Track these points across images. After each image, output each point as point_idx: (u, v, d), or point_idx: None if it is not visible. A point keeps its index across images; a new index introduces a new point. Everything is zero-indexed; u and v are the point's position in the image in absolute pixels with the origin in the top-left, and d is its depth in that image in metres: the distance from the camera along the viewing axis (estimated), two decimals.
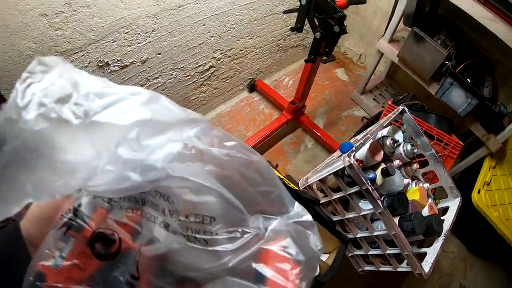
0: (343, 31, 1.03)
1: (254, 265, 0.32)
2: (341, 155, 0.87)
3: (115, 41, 1.07)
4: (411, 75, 1.44)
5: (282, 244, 0.35)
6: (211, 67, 1.42)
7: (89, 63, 1.06)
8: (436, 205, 1.05)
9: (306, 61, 1.22)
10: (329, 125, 1.63)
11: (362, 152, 0.97)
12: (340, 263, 0.75)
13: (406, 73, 1.66)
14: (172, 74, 1.32)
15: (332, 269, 0.72)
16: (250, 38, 1.47)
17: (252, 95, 1.67)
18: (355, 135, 1.34)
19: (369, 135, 0.85)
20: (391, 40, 1.46)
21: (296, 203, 0.41)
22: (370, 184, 0.78)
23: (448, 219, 0.98)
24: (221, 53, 1.41)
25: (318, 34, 1.10)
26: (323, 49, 1.15)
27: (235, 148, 0.32)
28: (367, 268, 1.00)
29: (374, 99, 1.69)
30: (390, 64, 1.75)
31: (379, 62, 1.57)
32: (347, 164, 0.79)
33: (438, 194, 1.17)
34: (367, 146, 0.95)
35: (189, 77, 1.38)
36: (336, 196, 0.88)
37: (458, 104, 1.31)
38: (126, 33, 1.08)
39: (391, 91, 1.74)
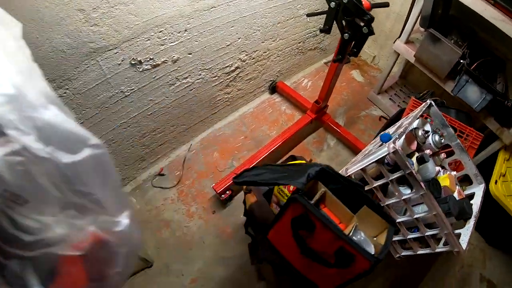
0: (371, 32, 1.15)
1: None
2: (380, 145, 0.99)
3: (149, 39, 1.15)
4: (427, 74, 1.58)
5: None
6: (236, 68, 1.53)
7: (122, 60, 1.12)
8: (463, 191, 1.17)
9: (334, 61, 1.35)
10: (349, 124, 1.75)
11: (398, 143, 1.08)
12: (390, 242, 0.85)
13: (419, 73, 1.81)
14: (200, 75, 1.42)
15: (385, 248, 0.82)
16: (273, 41, 1.59)
17: (273, 96, 1.78)
18: (378, 134, 1.46)
19: (407, 125, 0.97)
20: (407, 41, 1.60)
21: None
22: (413, 167, 0.89)
23: (476, 203, 1.09)
24: (246, 55, 1.53)
25: (346, 36, 1.22)
26: (350, 50, 1.28)
27: None
28: (404, 253, 1.10)
29: (390, 98, 1.83)
30: (403, 65, 1.90)
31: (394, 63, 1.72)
32: (392, 150, 0.90)
33: (461, 182, 1.29)
34: (403, 136, 1.07)
35: (216, 77, 1.49)
36: (378, 183, 0.98)
37: (474, 100, 1.44)
38: (160, 31, 1.16)
39: (405, 91, 1.88)
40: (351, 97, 1.87)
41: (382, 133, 1.02)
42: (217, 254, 1.43)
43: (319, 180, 0.90)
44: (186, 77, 1.37)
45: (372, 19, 1.11)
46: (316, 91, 1.55)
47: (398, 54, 1.65)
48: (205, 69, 1.41)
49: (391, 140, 0.92)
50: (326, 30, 1.29)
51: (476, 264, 1.57)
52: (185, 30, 1.24)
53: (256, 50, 1.55)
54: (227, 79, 1.53)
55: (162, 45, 1.20)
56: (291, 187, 1.05)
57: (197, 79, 1.42)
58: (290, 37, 1.67)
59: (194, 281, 1.38)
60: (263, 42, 1.55)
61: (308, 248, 0.83)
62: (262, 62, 1.63)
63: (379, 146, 1.01)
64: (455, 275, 1.52)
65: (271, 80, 1.76)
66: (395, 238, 1.08)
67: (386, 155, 0.92)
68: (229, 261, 1.42)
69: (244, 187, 1.18)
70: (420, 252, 1.04)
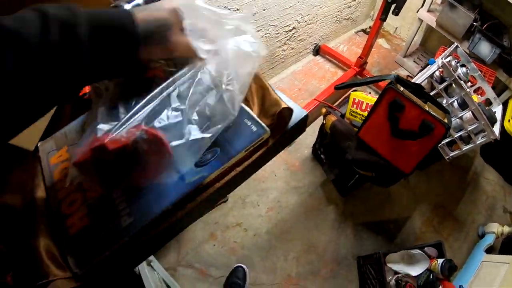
0: None
1: None
2: (428, 67, 1.59)
3: None
4: (446, 37, 2.25)
5: None
6: (293, 28, 2.10)
7: (217, 6, 1.64)
8: None
9: (380, 19, 1.95)
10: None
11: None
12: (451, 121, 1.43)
13: (436, 40, 2.49)
14: (268, 30, 1.96)
15: (450, 121, 1.39)
16: (320, 7, 2.19)
17: (317, 57, 2.37)
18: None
19: (443, 58, 1.59)
20: (429, 10, 2.28)
21: None
22: (457, 76, 1.49)
23: (498, 116, 1.72)
24: (301, 17, 2.10)
25: None
26: (393, 10, 1.91)
27: None
28: (452, 154, 1.68)
29: (414, 61, 2.49)
30: (424, 33, 2.59)
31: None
32: (441, 64, 1.50)
33: None
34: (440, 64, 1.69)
35: (278, 34, 2.04)
36: (441, 86, 1.56)
37: (486, 54, 2.12)
38: None
39: (426, 56, 2.56)
40: (382, 60, 2.51)
41: (429, 59, 1.63)
42: (288, 185, 1.92)
43: (397, 83, 1.47)
44: (259, 31, 1.91)
45: None
46: (351, 55, 2.15)
47: (421, 22, 2.32)
48: (272, 25, 1.95)
49: (442, 56, 1.52)
50: None
51: (498, 197, 2.18)
52: None
53: (308, 14, 2.13)
54: (285, 37, 2.09)
55: None
56: (363, 107, 1.62)
57: (266, 33, 1.96)
58: (331, 6, 2.27)
59: (270, 210, 1.86)
60: (313, 8, 2.14)
61: (398, 128, 1.38)
62: (311, 25, 2.22)
63: (429, 67, 1.62)
64: (483, 204, 2.13)
65: (315, 43, 2.35)
66: (444, 141, 1.67)
67: (438, 68, 1.52)
68: (300, 190, 1.92)
69: (324, 110, 1.71)
70: (465, 148, 1.62)
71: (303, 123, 0.67)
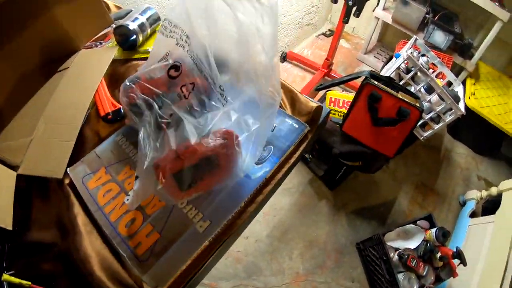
0: None
1: None
2: (394, 60, 1.78)
3: None
4: (402, 30, 2.48)
5: None
6: None
7: None
8: None
9: (343, 22, 2.13)
10: None
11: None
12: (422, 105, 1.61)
13: (392, 35, 2.73)
14: None
15: (421, 105, 1.57)
16: (284, 17, 2.34)
17: (285, 64, 2.53)
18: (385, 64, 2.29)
19: (406, 50, 1.79)
20: (384, 8, 2.51)
21: None
22: (422, 65, 1.68)
23: (460, 95, 1.94)
24: None
25: (350, 3, 2.02)
26: (354, 12, 2.09)
27: None
28: (425, 134, 1.87)
29: (374, 57, 2.71)
30: (380, 30, 2.82)
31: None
32: (406, 57, 1.69)
33: None
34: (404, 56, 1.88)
35: None
36: (409, 76, 1.74)
37: (441, 42, 2.36)
38: None
39: (384, 50, 2.78)
40: (345, 59, 2.71)
41: (395, 53, 1.82)
42: (280, 188, 2.03)
43: (371, 78, 1.63)
44: None
45: None
46: (316, 58, 2.33)
47: (377, 20, 2.54)
48: None
49: (405, 49, 1.72)
50: (334, 0, 2.11)
51: (471, 168, 2.41)
52: None
53: None
54: None
55: None
56: (340, 104, 1.78)
57: None
58: (293, 14, 2.43)
59: (266, 214, 1.96)
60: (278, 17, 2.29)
61: (378, 118, 1.53)
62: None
63: (394, 60, 1.81)
64: (459, 176, 2.34)
65: (281, 51, 2.51)
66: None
67: (404, 60, 1.71)
68: (291, 190, 2.04)
69: None
70: (436, 127, 1.81)
71: (326, 118, 0.81)
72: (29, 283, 0.50)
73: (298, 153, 0.72)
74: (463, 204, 2.12)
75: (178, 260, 0.53)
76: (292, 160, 0.71)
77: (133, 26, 0.94)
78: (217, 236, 0.57)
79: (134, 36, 0.94)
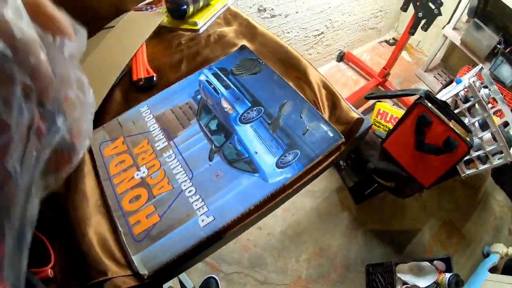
0: (440, 13, 1.95)
1: None
2: (453, 85, 1.75)
3: None
4: (468, 55, 2.42)
5: None
6: (322, 33, 2.24)
7: (253, 5, 1.75)
8: None
9: (409, 33, 2.12)
10: None
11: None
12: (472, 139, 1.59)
13: (457, 58, 2.66)
14: (298, 32, 2.10)
15: (472, 140, 1.55)
16: (349, 15, 2.34)
17: (340, 64, 2.53)
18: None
19: (468, 78, 1.75)
20: (454, 28, 2.45)
21: None
22: (482, 97, 1.65)
23: None
24: (330, 23, 2.25)
25: (420, 14, 2.00)
26: (423, 26, 2.07)
27: None
28: (468, 172, 1.84)
29: (434, 77, 2.67)
30: (445, 50, 2.76)
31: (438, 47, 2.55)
32: (468, 85, 1.66)
33: None
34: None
35: (307, 37, 2.18)
36: (466, 106, 1.72)
37: (506, 77, 2.29)
38: None
39: (446, 73, 2.73)
40: (403, 72, 2.68)
41: (456, 78, 1.79)
42: (305, 188, 2.06)
43: (426, 99, 1.62)
44: (289, 32, 2.05)
45: (442, 3, 1.90)
46: (373, 64, 2.31)
47: (445, 39, 2.48)
48: (302, 28, 2.10)
49: (469, 76, 1.69)
50: (404, 9, 2.08)
51: (506, 219, 2.35)
52: None
53: (337, 20, 2.28)
54: (313, 41, 2.24)
55: None
56: (388, 118, 1.78)
57: (295, 35, 2.10)
58: (360, 14, 2.43)
59: (286, 210, 2.00)
60: (343, 15, 2.28)
61: (423, 142, 1.53)
62: (338, 32, 2.37)
63: (456, 86, 1.78)
64: (490, 224, 2.30)
65: (340, 50, 2.50)
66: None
67: (465, 88, 1.68)
68: (316, 194, 2.07)
69: None
70: (481, 167, 1.79)
71: (366, 133, 0.75)
72: None
73: (324, 164, 0.67)
74: (486, 255, 2.08)
75: (172, 250, 0.52)
76: (317, 170, 0.66)
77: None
78: (216, 234, 0.56)
79: (185, 6, 0.94)
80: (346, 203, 2.06)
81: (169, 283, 1.44)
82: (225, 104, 0.72)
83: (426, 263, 1.68)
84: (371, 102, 1.98)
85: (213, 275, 1.75)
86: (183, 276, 1.65)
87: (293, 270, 1.84)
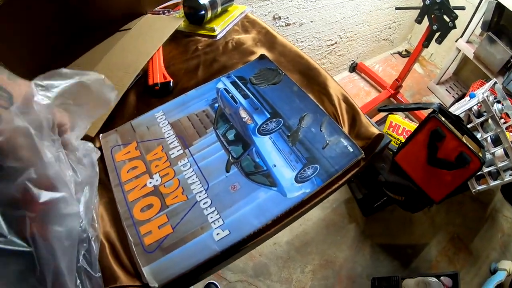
0: (455, 26, 1.93)
1: None
2: (467, 99, 1.73)
3: (291, 0, 1.77)
4: (481, 69, 2.39)
5: None
6: (335, 43, 2.23)
7: (268, 13, 1.73)
8: None
9: (423, 45, 2.10)
10: None
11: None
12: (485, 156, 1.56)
13: (470, 71, 2.64)
14: (312, 41, 2.09)
15: (484, 156, 1.52)
16: (363, 26, 2.32)
17: (352, 74, 2.52)
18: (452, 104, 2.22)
19: (482, 93, 1.73)
20: (468, 41, 2.43)
21: None
22: (495, 112, 1.62)
23: None
24: (344, 33, 2.23)
25: (435, 27, 1.98)
26: (437, 38, 2.04)
27: None
28: (479, 187, 1.81)
29: (446, 90, 2.64)
30: (458, 63, 2.73)
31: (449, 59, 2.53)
32: (482, 99, 1.64)
33: None
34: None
35: (320, 47, 2.17)
36: (479, 121, 1.70)
37: None
38: None
39: (458, 86, 2.70)
40: (415, 84, 2.66)
41: (469, 92, 1.77)
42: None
43: (439, 113, 1.60)
44: (303, 41, 2.04)
45: (457, 16, 1.88)
46: (385, 76, 2.29)
47: (458, 52, 2.46)
48: (316, 37, 2.09)
49: (481, 92, 1.66)
50: (419, 21, 2.06)
51: None
52: (315, 1, 1.89)
53: (351, 31, 2.27)
54: (326, 51, 2.22)
55: (298, 8, 1.82)
56: (400, 131, 1.75)
57: (309, 45, 2.09)
58: (373, 25, 2.41)
59: None
60: (357, 25, 2.27)
61: (436, 157, 1.50)
62: (351, 42, 2.35)
63: (468, 100, 1.76)
64: (498, 241, 2.26)
65: (352, 60, 2.49)
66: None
67: (478, 102, 1.65)
68: (324, 204, 2.04)
69: None
70: (492, 183, 1.75)
71: (384, 148, 0.74)
72: None
73: (343, 180, 0.65)
74: (493, 272, 2.04)
75: (184, 263, 0.50)
76: (335, 186, 0.65)
77: (203, 1, 0.93)
78: (231, 249, 0.54)
79: (203, 11, 0.94)
80: (354, 215, 2.03)
81: None
82: (243, 114, 0.70)
83: (433, 279, 1.65)
84: (382, 114, 1.96)
85: (214, 281, 1.73)
86: None
87: (297, 281, 1.81)
